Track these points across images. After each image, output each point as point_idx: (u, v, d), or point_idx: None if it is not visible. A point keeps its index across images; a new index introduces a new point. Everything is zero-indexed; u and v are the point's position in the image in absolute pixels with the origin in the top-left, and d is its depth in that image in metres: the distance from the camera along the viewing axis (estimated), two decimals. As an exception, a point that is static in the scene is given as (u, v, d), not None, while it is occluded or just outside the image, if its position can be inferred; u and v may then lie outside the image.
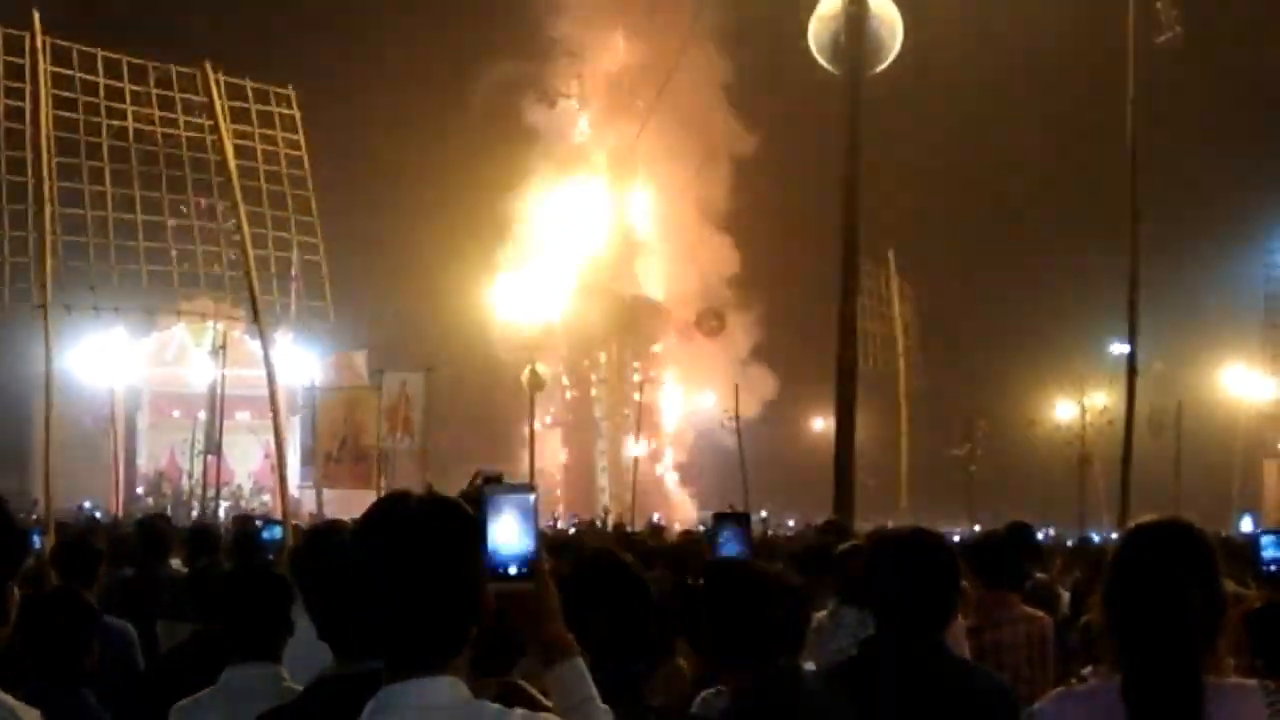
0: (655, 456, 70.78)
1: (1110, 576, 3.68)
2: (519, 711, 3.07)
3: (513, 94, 70.95)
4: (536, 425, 50.65)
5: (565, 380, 70.74)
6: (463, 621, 3.07)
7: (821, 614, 7.54)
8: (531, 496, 3.24)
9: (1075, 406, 48.16)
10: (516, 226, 71.04)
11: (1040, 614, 8.09)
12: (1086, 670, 4.09)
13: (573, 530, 34.12)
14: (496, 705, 3.06)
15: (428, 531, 3.05)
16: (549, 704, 3.30)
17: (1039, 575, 11.18)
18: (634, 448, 56.07)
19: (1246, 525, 19.51)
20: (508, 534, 3.18)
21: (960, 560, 5.36)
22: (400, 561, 3.03)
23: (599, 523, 41.58)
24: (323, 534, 4.83)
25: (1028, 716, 3.93)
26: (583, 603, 3.65)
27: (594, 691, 3.34)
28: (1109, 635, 3.64)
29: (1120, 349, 26.00)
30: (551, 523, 43.82)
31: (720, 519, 6.35)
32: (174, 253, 24.64)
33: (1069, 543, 21.88)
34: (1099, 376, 45.60)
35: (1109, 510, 39.43)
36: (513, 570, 3.18)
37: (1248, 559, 7.03)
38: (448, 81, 67.76)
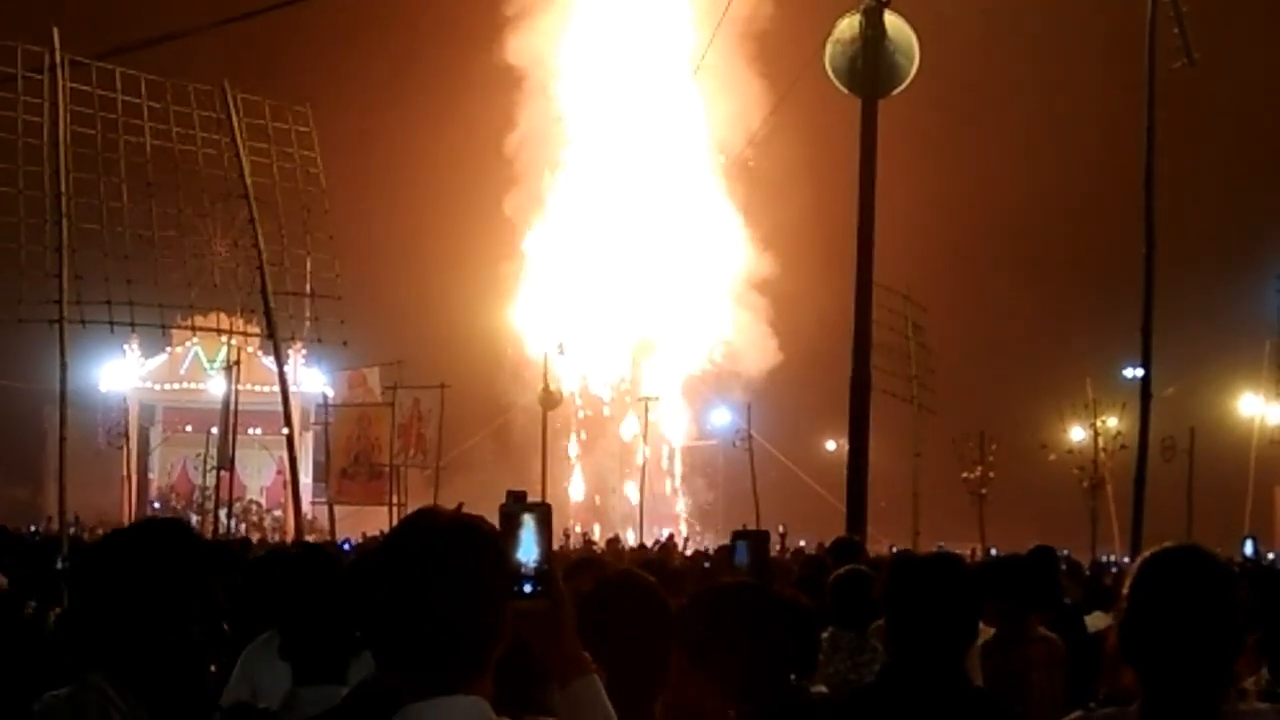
0: (667, 475, 70.71)
1: (1128, 603, 3.67)
2: None
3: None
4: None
5: (579, 400, 70.64)
6: (486, 641, 3.06)
7: (822, 636, 7.57)
8: (546, 514, 3.25)
9: (1087, 430, 48.06)
10: (533, 243, 71.14)
11: (1053, 636, 8.12)
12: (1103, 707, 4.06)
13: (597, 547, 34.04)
14: None
15: (453, 549, 3.04)
16: None
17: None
18: (645, 465, 56.16)
19: (1249, 549, 19.51)
20: (522, 552, 3.19)
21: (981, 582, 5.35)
22: (425, 579, 3.02)
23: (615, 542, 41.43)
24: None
25: None
26: (603, 622, 3.66)
27: (610, 710, 3.34)
28: (1126, 661, 3.63)
29: (1133, 373, 25.94)
30: (563, 540, 43.78)
31: (738, 536, 6.37)
32: (189, 268, 24.75)
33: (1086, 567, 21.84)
34: (1112, 401, 45.52)
35: (1121, 534, 39.37)
36: (528, 589, 3.19)
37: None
38: (464, 99, 67.80)
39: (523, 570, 3.18)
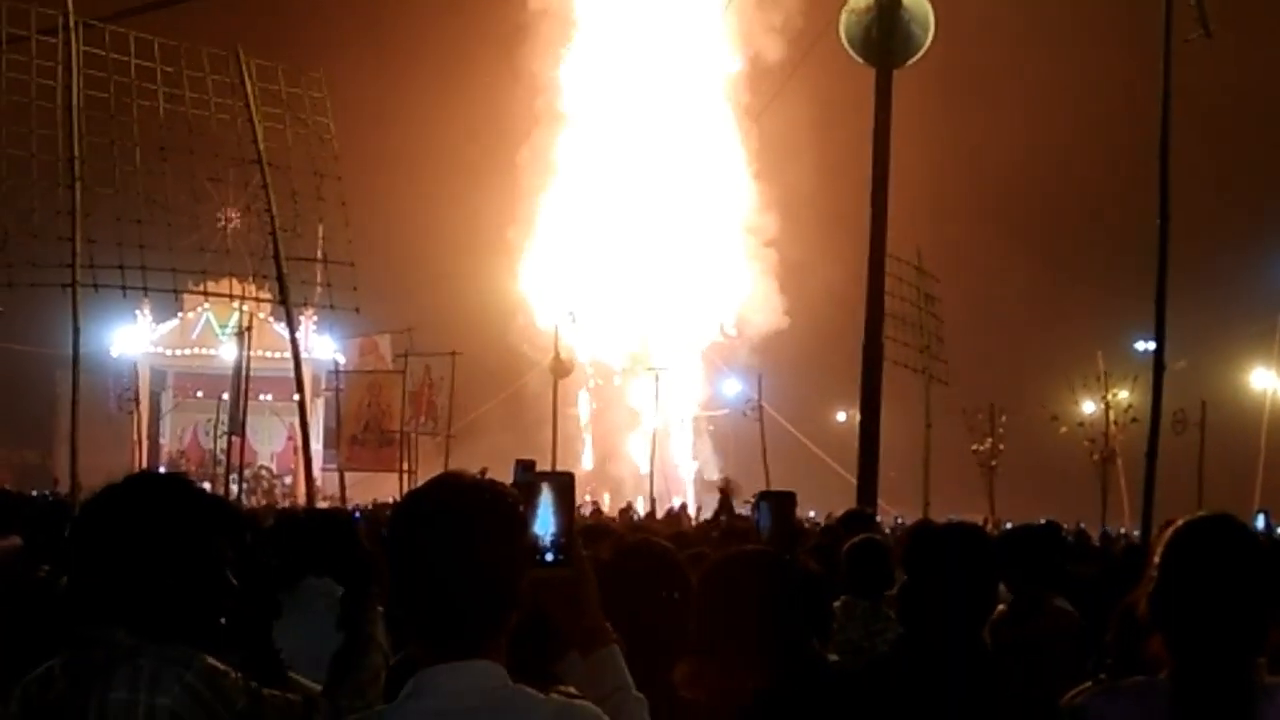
0: (677, 444, 70.71)
1: (1159, 572, 3.69)
2: (555, 696, 3.08)
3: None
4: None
5: (590, 368, 70.61)
6: (503, 607, 3.06)
7: (834, 605, 7.57)
8: (569, 483, 3.24)
9: (1098, 403, 47.97)
10: (544, 209, 71.05)
11: (1069, 608, 8.11)
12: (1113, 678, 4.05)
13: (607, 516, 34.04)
14: (533, 690, 3.06)
15: (477, 514, 3.03)
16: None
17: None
18: (656, 435, 56.17)
19: (1260, 523, 19.50)
20: (545, 521, 3.18)
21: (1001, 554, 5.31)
22: (447, 542, 3.01)
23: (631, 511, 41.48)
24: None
25: (1070, 711, 3.91)
26: (623, 590, 3.64)
27: (629, 680, 3.34)
28: (1157, 632, 3.65)
29: (1145, 345, 25.88)
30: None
31: (763, 497, 6.35)
32: (203, 233, 24.79)
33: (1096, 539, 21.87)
34: (1123, 374, 45.46)
35: (1131, 507, 39.32)
36: (550, 557, 3.19)
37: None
38: (476, 65, 67.73)
39: (544, 540, 3.18)
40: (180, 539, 3.52)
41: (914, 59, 22.08)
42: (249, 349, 33.02)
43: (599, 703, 3.19)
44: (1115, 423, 45.53)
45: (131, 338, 65.72)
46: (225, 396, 38.38)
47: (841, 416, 65.05)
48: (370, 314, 33.92)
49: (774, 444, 49.32)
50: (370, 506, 28.63)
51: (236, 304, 35.51)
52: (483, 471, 3.24)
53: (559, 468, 3.49)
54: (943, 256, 36.81)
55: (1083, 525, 26.86)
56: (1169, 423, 29.37)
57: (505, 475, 3.28)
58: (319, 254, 24.57)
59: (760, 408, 49.28)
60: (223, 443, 39.96)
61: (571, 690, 3.28)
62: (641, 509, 43.59)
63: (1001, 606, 7.63)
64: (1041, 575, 7.87)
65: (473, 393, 57.68)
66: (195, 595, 3.53)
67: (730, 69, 69.85)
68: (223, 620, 3.64)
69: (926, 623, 4.86)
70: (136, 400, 55.19)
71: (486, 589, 3.03)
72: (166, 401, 69.61)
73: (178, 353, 68.56)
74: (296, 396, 25.13)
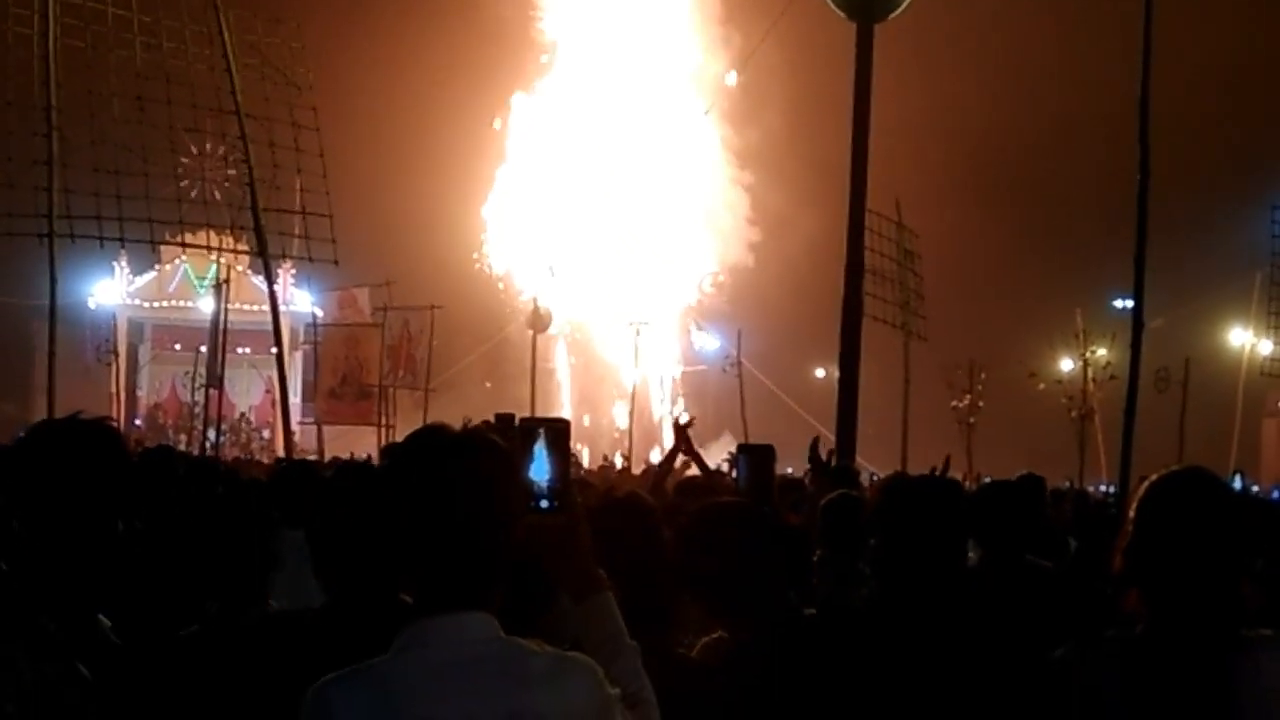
0: (656, 399, 70.70)
1: (1134, 526, 3.69)
2: (549, 648, 3.06)
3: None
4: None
5: (569, 324, 70.51)
6: (499, 557, 3.05)
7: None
8: (565, 430, 3.23)
9: (1077, 361, 48.07)
10: (523, 165, 70.84)
11: (1044, 564, 8.09)
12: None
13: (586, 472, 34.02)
14: (528, 642, 3.05)
15: (474, 464, 3.02)
16: None
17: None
18: (635, 390, 56.20)
19: (1236, 484, 19.48)
20: (539, 467, 3.17)
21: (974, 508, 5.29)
22: (439, 494, 3.00)
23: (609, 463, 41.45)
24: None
25: (1050, 666, 3.91)
26: (596, 544, 3.61)
27: (623, 626, 3.33)
28: (1134, 586, 3.65)
29: (1124, 303, 25.84)
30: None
31: (742, 450, 6.33)
32: (180, 185, 24.68)
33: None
34: (1102, 331, 45.53)
35: (1108, 464, 39.46)
36: (544, 504, 3.18)
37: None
38: (454, 16, 67.42)
39: (540, 486, 3.16)
40: (65, 488, 3.50)
41: (896, 13, 21.95)
42: (227, 301, 32.90)
43: (594, 649, 3.19)
44: (1094, 380, 45.67)
45: (109, 290, 65.52)
46: (203, 349, 38.24)
47: (820, 373, 65.04)
48: (349, 267, 33.73)
49: (752, 399, 49.36)
50: (347, 459, 28.54)
51: (214, 256, 35.43)
52: (466, 422, 3.22)
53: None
54: (922, 213, 36.82)
55: (1070, 484, 26.72)
56: (1151, 380, 29.46)
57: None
58: (297, 206, 24.46)
59: (740, 363, 49.31)
60: (201, 395, 39.80)
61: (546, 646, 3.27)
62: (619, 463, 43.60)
63: (972, 555, 7.63)
64: (1014, 529, 7.85)
65: (453, 347, 57.64)
66: (84, 548, 3.50)
67: (709, 19, 69.66)
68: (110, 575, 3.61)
69: (899, 577, 4.83)
70: (115, 352, 55.01)
71: (482, 540, 3.02)
72: (144, 354, 69.37)
73: (155, 305, 68.26)
74: (275, 349, 25.05)
